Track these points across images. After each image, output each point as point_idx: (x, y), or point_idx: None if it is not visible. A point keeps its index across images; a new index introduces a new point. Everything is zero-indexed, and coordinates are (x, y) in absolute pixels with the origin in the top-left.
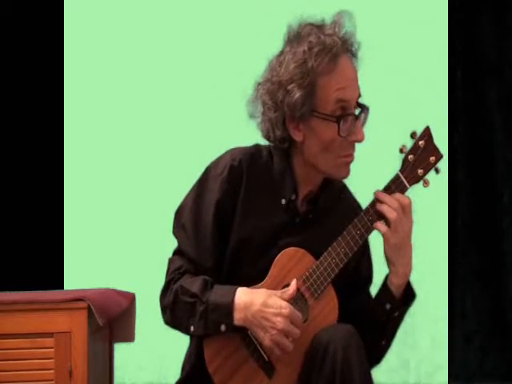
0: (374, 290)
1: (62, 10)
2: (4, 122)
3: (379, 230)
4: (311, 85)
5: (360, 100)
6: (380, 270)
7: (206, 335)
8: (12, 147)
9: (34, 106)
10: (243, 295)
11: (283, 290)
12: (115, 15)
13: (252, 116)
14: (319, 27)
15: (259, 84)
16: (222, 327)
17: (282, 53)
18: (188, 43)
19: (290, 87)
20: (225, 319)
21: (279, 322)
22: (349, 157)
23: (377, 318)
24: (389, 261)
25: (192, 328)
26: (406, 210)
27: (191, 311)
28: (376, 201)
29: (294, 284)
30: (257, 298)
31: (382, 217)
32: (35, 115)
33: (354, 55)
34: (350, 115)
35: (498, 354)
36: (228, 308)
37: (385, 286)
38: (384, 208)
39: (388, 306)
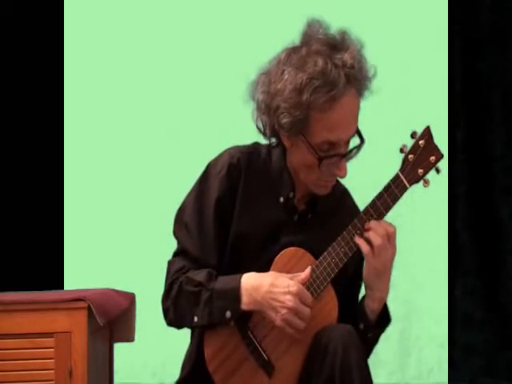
0: None
1: (62, 9)
2: (4, 122)
3: (361, 249)
4: (302, 115)
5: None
6: None
7: (211, 325)
8: (12, 147)
9: (34, 105)
10: (250, 279)
11: (294, 274)
12: (115, 15)
13: (251, 99)
14: (331, 48)
15: (261, 75)
16: (228, 314)
17: (287, 58)
18: (188, 42)
19: (283, 105)
20: (231, 304)
21: (289, 300)
22: (330, 182)
23: None
24: (366, 284)
25: (196, 318)
26: (390, 237)
27: (195, 300)
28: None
29: (308, 270)
30: (265, 280)
31: (382, 215)
32: (35, 115)
33: (360, 90)
34: (334, 156)
35: (498, 354)
36: (235, 293)
37: (361, 306)
38: (370, 234)
39: (362, 326)
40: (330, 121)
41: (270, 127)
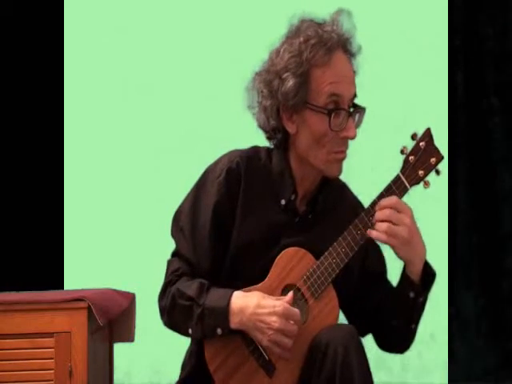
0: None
1: (62, 9)
2: (4, 122)
3: (380, 241)
4: (305, 75)
5: (357, 101)
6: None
7: (205, 337)
8: (12, 147)
9: (34, 105)
10: (238, 299)
11: (279, 298)
12: (115, 15)
13: (249, 106)
14: (319, 24)
15: (256, 74)
16: (219, 331)
17: (279, 44)
18: (188, 42)
19: (284, 76)
20: (221, 323)
21: (274, 321)
22: (340, 153)
23: (403, 306)
24: (403, 258)
25: (190, 331)
26: (397, 207)
27: (188, 314)
28: (375, 206)
29: (290, 294)
30: (251, 300)
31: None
32: (35, 115)
33: (351, 54)
34: (341, 110)
35: (498, 354)
36: (224, 312)
37: (404, 276)
38: (376, 225)
39: (412, 295)
40: (331, 74)
41: (274, 113)
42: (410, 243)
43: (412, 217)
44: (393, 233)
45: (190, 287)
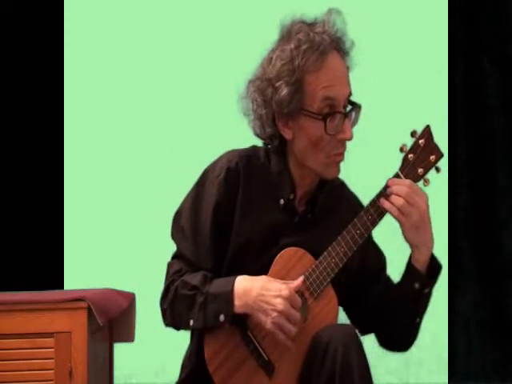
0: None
1: (62, 9)
2: (4, 121)
3: (391, 214)
4: (298, 82)
5: (353, 98)
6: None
7: (206, 328)
8: (12, 147)
9: (34, 105)
10: (243, 282)
11: (287, 282)
12: (115, 15)
13: (244, 113)
14: (310, 25)
15: (250, 81)
16: (221, 317)
17: (272, 50)
18: (187, 43)
19: (277, 84)
20: (224, 308)
21: (279, 303)
22: (338, 156)
23: (408, 299)
24: (410, 243)
25: (191, 322)
26: (413, 189)
27: (191, 304)
28: (382, 194)
29: (300, 279)
30: (256, 283)
31: (383, 214)
32: (35, 115)
33: (344, 53)
34: (337, 113)
35: (498, 354)
36: (228, 296)
37: (410, 266)
38: (392, 198)
39: (417, 286)
40: (324, 78)
41: (269, 121)
42: (418, 228)
43: (427, 203)
44: (405, 211)
45: (194, 278)
